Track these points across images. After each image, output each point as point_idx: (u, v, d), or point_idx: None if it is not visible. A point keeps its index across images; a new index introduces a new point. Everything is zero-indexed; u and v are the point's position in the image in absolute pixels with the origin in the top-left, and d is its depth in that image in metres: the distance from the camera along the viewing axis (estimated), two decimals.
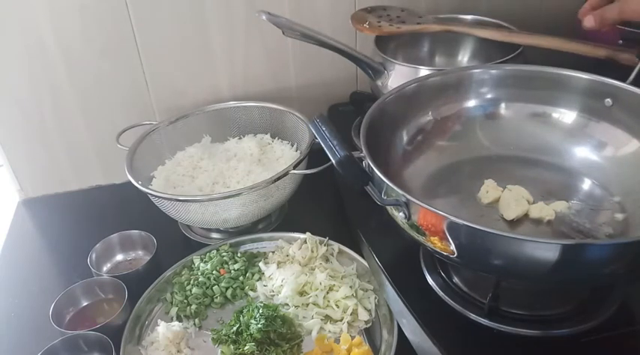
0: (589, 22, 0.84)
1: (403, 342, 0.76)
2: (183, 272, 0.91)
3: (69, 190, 1.18)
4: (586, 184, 0.79)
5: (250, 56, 1.13)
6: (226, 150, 1.09)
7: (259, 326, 0.78)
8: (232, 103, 1.13)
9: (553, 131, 0.84)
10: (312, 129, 0.71)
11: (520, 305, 0.70)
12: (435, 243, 0.64)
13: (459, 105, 0.87)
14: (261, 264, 0.92)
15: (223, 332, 0.81)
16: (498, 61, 0.91)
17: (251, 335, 0.78)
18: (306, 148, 0.97)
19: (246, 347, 0.77)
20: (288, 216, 1.06)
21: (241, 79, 1.15)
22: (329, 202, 1.07)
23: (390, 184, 0.64)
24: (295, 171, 0.93)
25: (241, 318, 0.81)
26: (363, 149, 0.69)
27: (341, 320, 0.82)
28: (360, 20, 1.02)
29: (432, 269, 0.77)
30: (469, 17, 1.07)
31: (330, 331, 0.81)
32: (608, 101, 0.79)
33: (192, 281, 0.89)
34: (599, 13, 0.83)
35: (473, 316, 0.70)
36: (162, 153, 1.08)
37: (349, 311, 0.82)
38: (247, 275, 0.90)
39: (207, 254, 0.93)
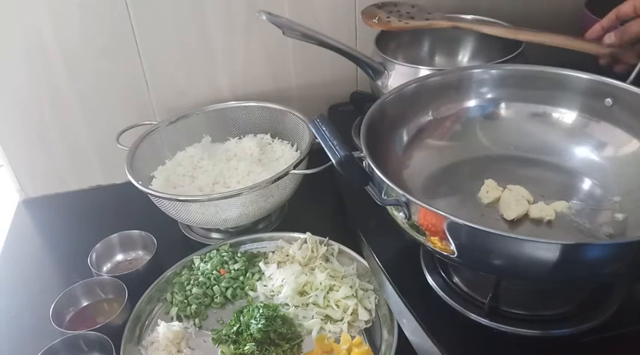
0: (609, 38, 0.87)
1: (403, 342, 0.76)
2: (183, 272, 0.91)
3: (69, 190, 1.18)
4: (586, 184, 0.79)
5: (250, 56, 1.13)
6: (226, 150, 1.09)
7: (259, 326, 0.78)
8: (232, 103, 1.13)
9: (553, 131, 0.84)
10: (312, 129, 0.71)
11: (520, 305, 0.70)
12: (435, 243, 0.64)
13: (459, 105, 0.87)
14: (261, 264, 0.92)
15: (223, 332, 0.81)
16: (498, 61, 0.91)
17: (251, 335, 0.78)
18: (306, 148, 0.97)
19: (247, 347, 0.77)
20: (288, 216, 1.06)
21: (241, 79, 1.15)
22: (329, 202, 1.07)
23: (390, 184, 0.64)
24: (295, 171, 0.93)
25: (241, 318, 0.81)
26: (363, 149, 0.69)
27: (341, 320, 0.82)
28: (370, 15, 1.03)
29: (432, 269, 0.77)
30: (469, 17, 1.07)
31: (330, 331, 0.81)
32: (608, 101, 0.79)
33: (192, 281, 0.89)
34: (622, 29, 0.86)
35: (473, 316, 0.70)
36: (163, 153, 1.08)
37: (349, 311, 0.82)
38: (247, 275, 0.90)
39: (207, 254, 0.93)
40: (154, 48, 1.07)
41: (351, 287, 0.85)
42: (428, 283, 0.75)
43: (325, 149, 0.67)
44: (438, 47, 1.14)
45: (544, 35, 0.92)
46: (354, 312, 0.82)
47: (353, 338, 0.79)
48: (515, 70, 0.86)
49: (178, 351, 0.80)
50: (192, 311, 0.85)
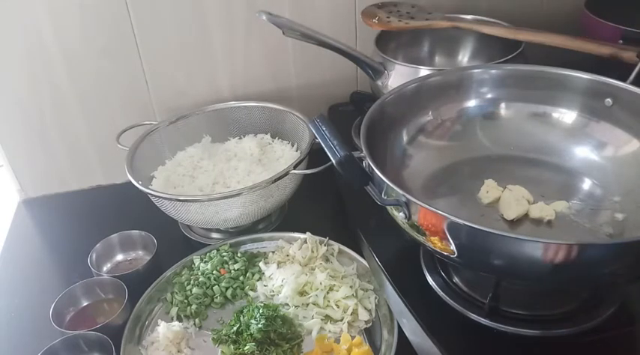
0: None
1: (403, 342, 0.76)
2: (183, 272, 0.91)
3: (69, 190, 1.18)
4: (586, 184, 0.79)
5: (250, 56, 1.13)
6: (226, 150, 1.09)
7: (259, 326, 0.78)
8: (232, 103, 1.13)
9: (553, 131, 0.84)
10: (312, 129, 0.71)
11: (520, 305, 0.70)
12: (435, 243, 0.64)
13: (459, 105, 0.87)
14: (261, 264, 0.92)
15: (223, 332, 0.81)
16: (498, 61, 0.91)
17: (251, 335, 0.78)
18: (306, 148, 0.97)
19: (247, 347, 0.77)
20: (288, 216, 1.06)
21: (241, 79, 1.15)
22: (329, 202, 1.07)
23: (390, 184, 0.64)
24: (295, 171, 0.93)
25: (241, 318, 0.81)
26: (363, 149, 0.69)
27: (341, 320, 0.82)
28: (370, 15, 1.03)
29: (432, 269, 0.77)
30: (469, 17, 1.07)
31: (330, 331, 0.81)
32: (608, 101, 0.79)
33: (192, 281, 0.89)
34: None
35: (473, 316, 0.70)
36: (163, 153, 1.08)
37: (349, 311, 0.82)
38: (247, 275, 0.90)
39: (208, 254, 0.93)
40: (154, 48, 1.07)
41: (351, 287, 0.85)
42: (428, 283, 0.75)
43: (325, 149, 0.67)
44: (438, 47, 1.14)
45: (544, 35, 0.92)
46: (354, 312, 0.82)
47: (353, 338, 0.79)
48: (515, 70, 0.86)
49: (178, 351, 0.80)
50: (192, 311, 0.85)
